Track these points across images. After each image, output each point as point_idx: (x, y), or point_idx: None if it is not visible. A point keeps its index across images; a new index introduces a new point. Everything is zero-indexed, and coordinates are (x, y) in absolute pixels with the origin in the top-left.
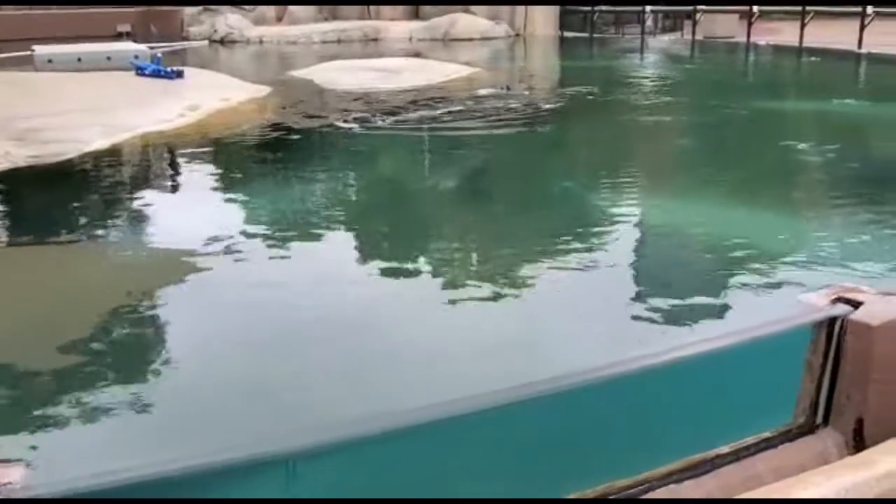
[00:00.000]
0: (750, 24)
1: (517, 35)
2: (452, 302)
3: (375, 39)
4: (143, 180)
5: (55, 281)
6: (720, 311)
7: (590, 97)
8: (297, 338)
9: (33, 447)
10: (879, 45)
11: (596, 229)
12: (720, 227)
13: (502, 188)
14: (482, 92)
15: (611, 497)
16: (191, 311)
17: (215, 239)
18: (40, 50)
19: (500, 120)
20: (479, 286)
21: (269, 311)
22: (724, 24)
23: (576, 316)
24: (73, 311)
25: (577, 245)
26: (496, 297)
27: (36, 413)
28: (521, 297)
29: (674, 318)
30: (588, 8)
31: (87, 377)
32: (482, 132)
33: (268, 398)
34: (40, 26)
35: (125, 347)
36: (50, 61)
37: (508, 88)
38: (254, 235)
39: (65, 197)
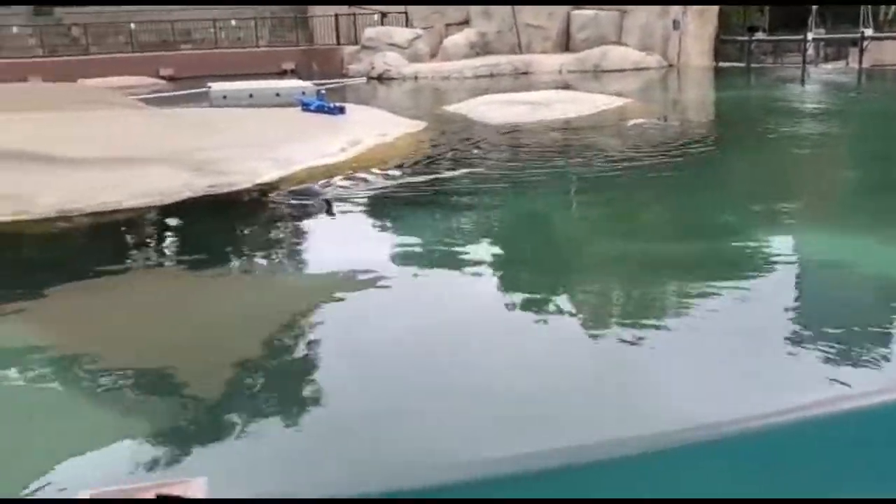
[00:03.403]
0: None
1: (670, 66)
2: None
3: (526, 73)
4: (309, 211)
5: (227, 302)
6: (885, 359)
7: (748, 128)
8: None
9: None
10: None
11: (753, 265)
12: (890, 265)
13: (653, 220)
14: (636, 122)
15: None
16: (347, 339)
17: (372, 270)
18: (215, 87)
19: (655, 151)
20: (623, 324)
21: (415, 342)
22: (893, 52)
23: (720, 360)
24: (239, 333)
25: (735, 282)
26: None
27: (205, 430)
28: (667, 335)
29: (837, 364)
30: (745, 37)
31: (249, 397)
32: (638, 163)
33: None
34: (213, 64)
35: (283, 369)
36: (224, 97)
37: (665, 119)
38: (410, 267)
39: (238, 224)
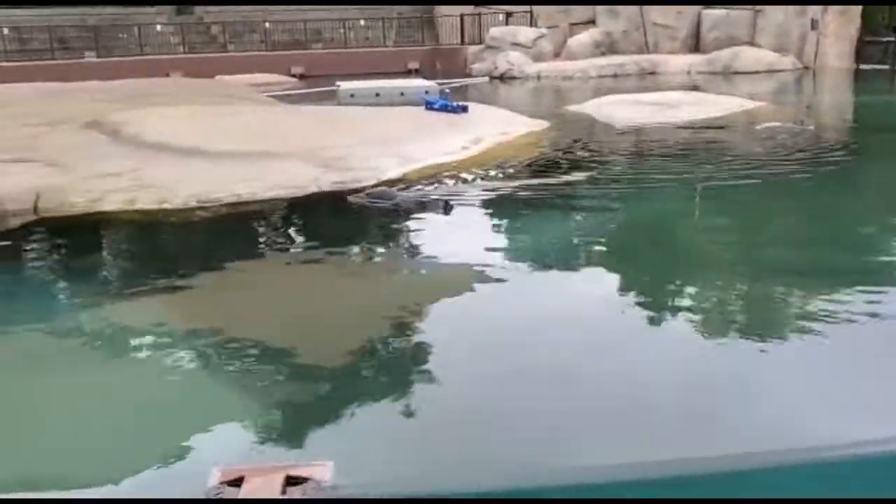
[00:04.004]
0: None
1: (805, 68)
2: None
3: (652, 73)
4: (430, 209)
5: (351, 291)
6: None
7: (891, 136)
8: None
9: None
10: None
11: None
12: None
13: (781, 231)
14: (767, 126)
15: None
16: (463, 329)
17: (490, 269)
18: (344, 85)
19: (788, 157)
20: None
21: (534, 334)
22: None
23: (843, 379)
24: (363, 321)
25: (870, 307)
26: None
27: (333, 414)
28: (796, 350)
29: None
30: (890, 38)
31: (376, 385)
32: (768, 170)
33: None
34: (342, 63)
35: (407, 359)
36: (352, 96)
37: (801, 124)
38: (525, 267)
39: (360, 218)
